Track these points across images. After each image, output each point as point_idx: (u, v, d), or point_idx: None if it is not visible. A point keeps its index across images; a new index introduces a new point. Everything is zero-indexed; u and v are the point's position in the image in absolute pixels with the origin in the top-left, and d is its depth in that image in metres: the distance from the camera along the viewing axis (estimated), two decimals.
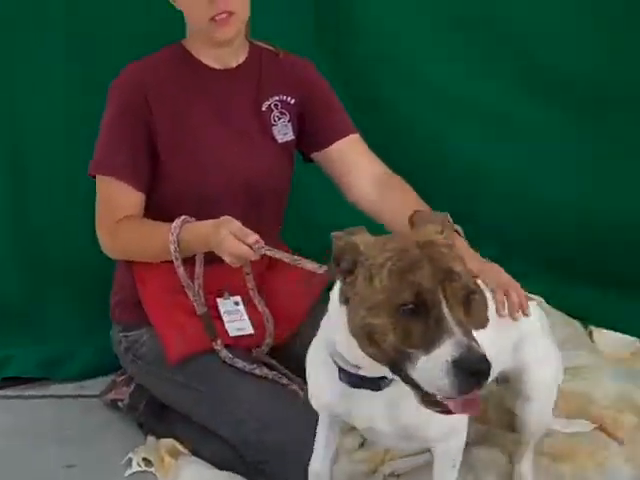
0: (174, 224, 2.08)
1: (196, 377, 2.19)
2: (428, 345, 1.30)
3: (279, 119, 2.35)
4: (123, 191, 2.20)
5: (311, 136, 2.40)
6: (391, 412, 1.57)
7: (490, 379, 1.33)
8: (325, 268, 1.77)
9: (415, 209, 1.92)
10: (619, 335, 2.85)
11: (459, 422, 1.66)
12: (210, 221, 2.05)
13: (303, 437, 2.03)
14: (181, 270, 2.12)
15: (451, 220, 1.63)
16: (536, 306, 2.02)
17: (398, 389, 1.47)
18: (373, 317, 1.36)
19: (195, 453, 2.26)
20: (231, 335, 2.24)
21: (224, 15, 2.15)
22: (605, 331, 2.87)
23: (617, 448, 2.21)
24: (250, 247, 1.95)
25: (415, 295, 1.33)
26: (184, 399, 2.23)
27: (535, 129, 2.93)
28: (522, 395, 1.94)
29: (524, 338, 1.92)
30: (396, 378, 1.42)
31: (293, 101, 2.37)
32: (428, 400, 1.36)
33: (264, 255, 1.98)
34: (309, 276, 2.40)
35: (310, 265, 1.89)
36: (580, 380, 2.44)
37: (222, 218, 2.02)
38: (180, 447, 2.28)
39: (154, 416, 2.40)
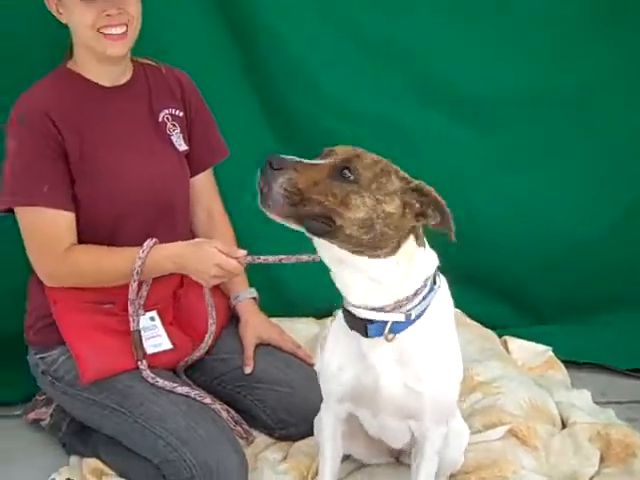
0: (146, 243, 2.19)
1: (116, 397, 2.20)
2: None
3: (173, 130, 2.40)
4: (56, 217, 2.19)
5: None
6: (400, 367, 1.76)
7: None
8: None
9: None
10: (532, 344, 2.97)
11: (451, 404, 1.92)
12: (183, 242, 2.22)
13: (226, 455, 2.10)
14: (135, 285, 2.19)
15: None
16: None
17: (405, 348, 1.74)
18: None
19: (119, 473, 2.27)
20: (148, 352, 2.26)
21: (120, 29, 2.18)
22: (519, 340, 2.98)
23: (530, 457, 2.27)
24: (237, 260, 2.12)
25: None
26: (105, 420, 2.23)
27: (434, 142, 3.02)
28: None
29: None
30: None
31: (181, 114, 2.43)
32: None
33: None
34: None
35: (305, 257, 2.06)
36: (493, 395, 2.52)
37: (197, 239, 2.26)
38: (104, 467, 2.29)
39: (77, 436, 2.40)
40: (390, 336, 1.71)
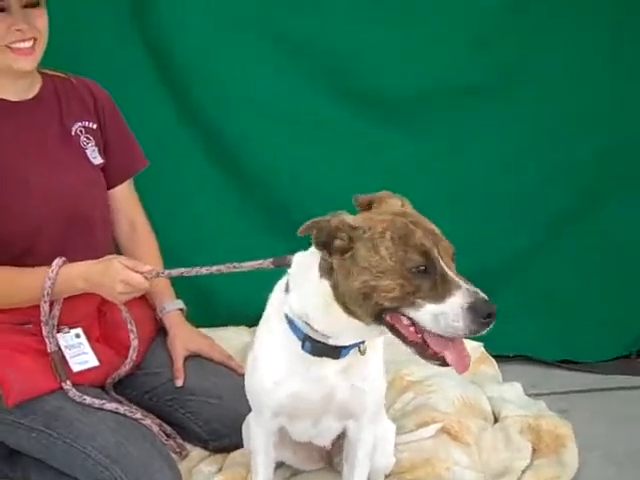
0: (55, 262, 2.14)
1: (43, 419, 2.14)
2: (438, 296, 1.50)
3: (87, 143, 2.37)
4: None
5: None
6: (345, 375, 1.77)
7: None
8: (269, 261, 1.91)
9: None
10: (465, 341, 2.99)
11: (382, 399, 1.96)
12: (92, 260, 2.15)
13: (159, 471, 2.06)
14: (46, 306, 2.14)
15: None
16: None
17: (352, 358, 1.74)
18: (378, 280, 1.54)
19: None
20: (75, 370, 2.21)
21: (28, 44, 2.14)
22: None
23: (463, 454, 2.29)
24: (144, 277, 2.08)
25: (423, 256, 1.52)
26: (33, 443, 2.16)
27: (347, 135, 3.05)
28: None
29: None
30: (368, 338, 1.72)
31: (95, 126, 2.39)
32: (425, 354, 1.60)
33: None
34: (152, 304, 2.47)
35: (250, 264, 1.99)
36: (426, 394, 2.53)
37: (107, 256, 2.16)
38: None
39: (5, 461, 2.32)
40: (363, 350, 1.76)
